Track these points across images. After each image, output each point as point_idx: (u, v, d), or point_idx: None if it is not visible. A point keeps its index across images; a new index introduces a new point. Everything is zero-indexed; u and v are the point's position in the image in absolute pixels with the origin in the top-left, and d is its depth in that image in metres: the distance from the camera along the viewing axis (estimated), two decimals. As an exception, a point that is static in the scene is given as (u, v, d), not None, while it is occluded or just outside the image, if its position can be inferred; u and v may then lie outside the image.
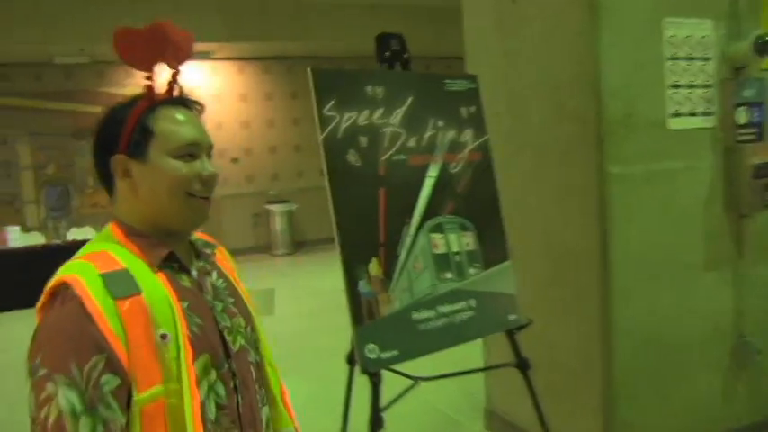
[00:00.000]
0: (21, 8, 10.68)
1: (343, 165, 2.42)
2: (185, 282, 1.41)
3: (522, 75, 3.65)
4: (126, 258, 1.34)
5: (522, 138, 3.68)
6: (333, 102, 2.42)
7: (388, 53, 2.70)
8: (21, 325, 3.78)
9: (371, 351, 2.35)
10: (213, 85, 13.55)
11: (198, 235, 1.61)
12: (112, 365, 1.21)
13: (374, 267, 2.42)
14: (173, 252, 1.41)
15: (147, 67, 1.43)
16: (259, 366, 1.53)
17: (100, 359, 1.21)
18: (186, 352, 1.30)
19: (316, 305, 8.20)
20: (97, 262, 1.29)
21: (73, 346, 1.20)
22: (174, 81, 1.47)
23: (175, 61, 1.47)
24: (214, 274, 1.52)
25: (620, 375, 3.23)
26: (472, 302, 2.68)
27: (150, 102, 1.41)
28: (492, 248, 2.81)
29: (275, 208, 12.88)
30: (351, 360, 3.02)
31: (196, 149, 1.41)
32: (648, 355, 3.30)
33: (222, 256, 1.64)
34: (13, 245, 9.79)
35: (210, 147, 1.47)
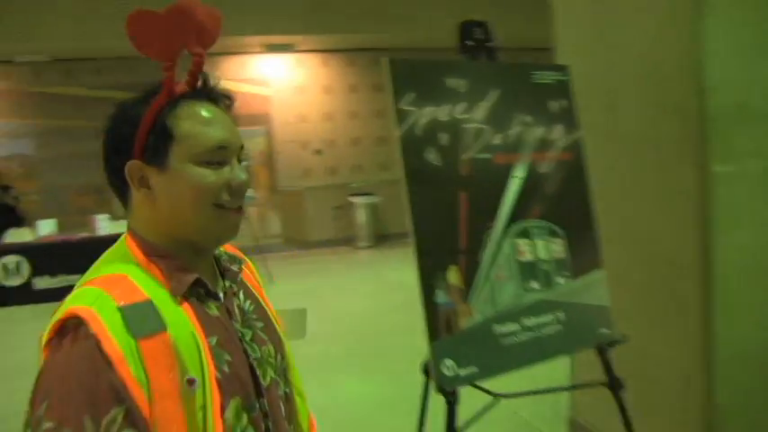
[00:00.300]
0: (112, 4, 10.90)
1: (421, 164, 2.22)
2: (213, 310, 1.24)
3: (618, 66, 3.39)
4: (148, 286, 1.16)
5: (616, 135, 3.42)
6: (411, 95, 2.23)
7: (471, 42, 2.49)
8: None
9: (448, 368, 2.15)
10: (297, 77, 13.56)
11: (225, 249, 1.43)
12: (133, 419, 1.04)
13: (453, 276, 2.23)
14: (199, 278, 1.23)
15: (169, 57, 1.22)
16: (288, 399, 1.37)
17: (119, 411, 1.03)
18: (214, 399, 1.14)
19: (397, 301, 8.02)
20: (116, 291, 1.12)
21: (87, 396, 1.02)
22: (197, 70, 1.25)
23: (200, 46, 1.25)
24: (241, 295, 1.35)
25: (723, 393, 2.94)
26: (560, 315, 2.45)
27: (169, 97, 1.22)
28: (583, 256, 2.58)
29: (358, 200, 12.78)
30: (427, 371, 2.83)
31: (226, 153, 1.23)
32: (758, 373, 3.00)
33: (249, 272, 1.48)
34: (101, 232, 9.99)
35: (241, 148, 1.28)
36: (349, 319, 7.74)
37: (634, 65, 3.28)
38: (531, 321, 2.37)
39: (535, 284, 2.42)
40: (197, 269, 1.24)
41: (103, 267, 1.20)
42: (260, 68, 13.50)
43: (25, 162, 13.23)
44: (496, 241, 2.35)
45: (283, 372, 1.36)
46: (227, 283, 1.32)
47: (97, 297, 1.09)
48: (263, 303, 1.40)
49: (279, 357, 1.35)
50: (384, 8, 12.04)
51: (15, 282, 9.81)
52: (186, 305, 1.18)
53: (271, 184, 13.87)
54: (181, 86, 1.24)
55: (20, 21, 10.93)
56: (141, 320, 1.09)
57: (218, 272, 1.34)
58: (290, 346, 1.45)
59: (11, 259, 9.87)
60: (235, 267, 1.37)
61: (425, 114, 2.25)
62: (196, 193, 1.19)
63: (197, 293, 1.22)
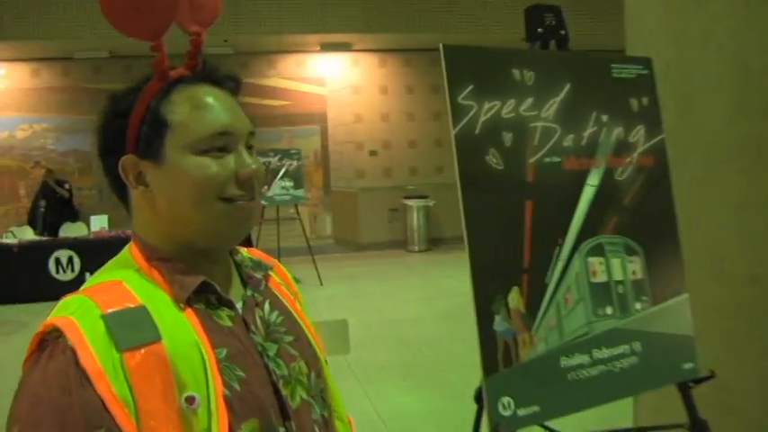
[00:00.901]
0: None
1: (480, 167, 1.91)
2: (224, 320, 1.10)
3: (698, 63, 3.06)
4: (145, 291, 1.05)
5: (692, 139, 3.09)
6: (470, 88, 1.92)
7: (540, 29, 2.17)
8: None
9: (506, 406, 1.84)
10: (353, 76, 13.47)
11: (247, 252, 1.30)
12: None
13: (514, 299, 1.92)
14: (207, 281, 1.09)
15: (153, 35, 1.10)
16: (327, 424, 1.21)
17: None
18: (220, 420, 0.99)
19: (451, 307, 7.78)
20: (102, 297, 1.00)
21: (58, 417, 0.91)
22: (195, 51, 1.13)
23: (195, 23, 1.14)
24: (266, 306, 1.20)
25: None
26: (637, 346, 2.12)
27: (162, 82, 1.10)
28: (664, 277, 2.23)
29: (413, 203, 12.63)
30: (479, 399, 2.51)
31: (230, 140, 1.10)
32: None
33: (280, 279, 1.32)
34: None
35: (250, 134, 1.14)
36: (399, 325, 7.55)
37: (715, 63, 2.96)
38: (603, 353, 2.04)
39: (609, 310, 2.09)
40: (207, 274, 1.10)
41: (101, 275, 1.09)
42: (316, 67, 13.47)
43: (81, 158, 13.34)
44: (566, 259, 2.03)
45: (320, 393, 1.21)
46: (249, 292, 1.18)
47: (80, 305, 0.99)
48: (294, 315, 1.25)
49: (313, 376, 1.19)
50: (445, 6, 11.85)
51: (67, 276, 9.83)
52: (190, 312, 1.06)
53: (324, 184, 13.81)
54: (179, 71, 1.12)
55: (79, 16, 11.02)
56: (129, 329, 0.97)
57: (239, 280, 1.20)
58: (328, 363, 1.28)
59: (63, 253, 9.92)
60: (259, 274, 1.23)
61: (487, 110, 1.94)
62: (198, 187, 1.07)
63: (206, 300, 1.10)
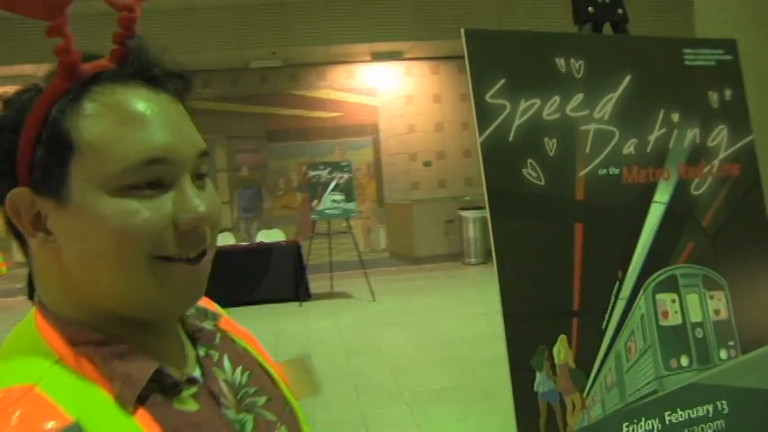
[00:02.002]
0: (220, 17, 10.95)
1: (515, 184, 1.49)
2: (187, 403, 0.80)
3: None
4: (74, 396, 0.72)
5: None
6: (501, 83, 1.51)
7: (591, 8, 1.74)
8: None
9: (553, 493, 1.43)
10: (405, 86, 13.28)
11: None
12: None
13: (561, 350, 1.49)
14: (159, 369, 0.78)
15: (50, 11, 0.74)
16: None
17: None
18: None
19: (507, 327, 7.35)
20: (8, 420, 0.67)
21: None
22: (124, 34, 0.78)
23: None
24: (226, 363, 0.91)
25: None
26: (723, 406, 1.66)
27: (69, 81, 0.75)
28: (757, 317, 1.78)
29: (469, 214, 12.28)
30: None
31: (167, 170, 0.77)
32: None
33: (229, 325, 1.01)
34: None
35: (202, 156, 0.81)
36: (453, 344, 7.19)
37: None
38: (679, 416, 1.60)
39: (685, 360, 1.65)
40: (155, 350, 0.81)
41: (2, 368, 0.75)
42: (367, 77, 13.24)
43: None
44: (628, 297, 1.60)
45: None
46: (203, 351, 0.89)
47: None
48: (260, 361, 0.98)
49: None
50: (500, 11, 11.53)
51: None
52: (143, 413, 0.75)
53: (377, 196, 13.55)
54: (97, 64, 0.77)
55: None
56: None
57: (186, 338, 0.90)
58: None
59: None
60: (208, 324, 0.94)
61: (523, 111, 1.52)
62: (117, 242, 0.74)
63: (160, 385, 0.78)
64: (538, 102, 1.54)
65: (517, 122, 1.50)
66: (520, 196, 1.48)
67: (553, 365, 1.47)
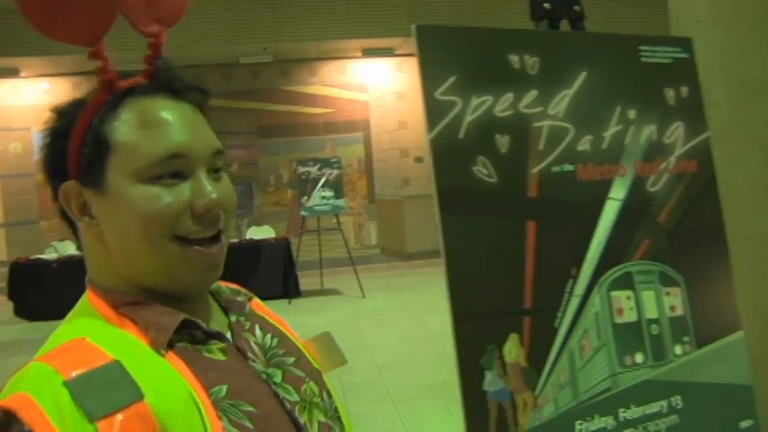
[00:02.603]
0: (210, 11, 10.91)
1: (465, 182, 1.48)
2: (216, 354, 0.98)
3: (753, 49, 2.63)
4: (115, 344, 0.90)
5: (750, 137, 2.66)
6: (452, 79, 1.49)
7: (547, 4, 1.73)
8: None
9: (502, 492, 1.42)
10: (397, 82, 13.25)
11: (220, 283, 1.16)
12: None
13: (512, 349, 1.48)
14: (188, 318, 0.97)
15: (89, 39, 0.94)
16: None
17: None
18: None
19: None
20: (62, 360, 0.86)
21: None
22: (153, 56, 1.00)
23: (153, 21, 1.00)
24: (258, 331, 1.09)
25: None
26: (678, 401, 1.66)
27: (108, 94, 0.96)
28: (712, 312, 1.77)
29: (459, 211, 12.20)
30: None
31: (186, 163, 0.97)
32: None
33: (260, 307, 1.20)
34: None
35: (217, 154, 1.02)
36: (442, 340, 7.15)
37: None
38: (633, 413, 1.59)
39: (640, 357, 1.64)
40: (186, 312, 0.98)
41: (58, 336, 0.94)
42: (359, 73, 13.22)
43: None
44: (582, 295, 1.59)
45: (335, 413, 1.11)
46: (234, 318, 1.08)
47: (36, 376, 0.84)
48: (288, 335, 1.17)
49: (325, 395, 1.11)
50: (491, 8, 11.49)
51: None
52: (173, 356, 0.92)
53: (368, 193, 13.54)
54: (131, 81, 0.99)
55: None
56: (101, 393, 0.82)
57: (220, 309, 1.11)
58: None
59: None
60: (240, 298, 1.13)
61: (474, 107, 1.51)
62: (145, 222, 0.94)
63: (190, 337, 0.97)
64: (490, 98, 1.52)
65: (468, 119, 1.49)
66: (470, 194, 1.47)
67: (504, 364, 1.47)
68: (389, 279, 11.35)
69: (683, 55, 1.84)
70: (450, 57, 1.51)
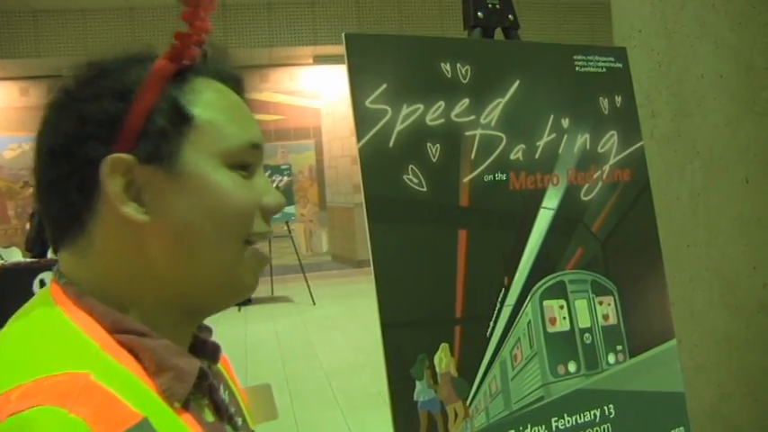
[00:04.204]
0: (159, 17, 10.78)
1: (395, 191, 1.46)
2: (206, 412, 0.80)
3: (693, 60, 2.68)
4: (126, 387, 0.67)
5: (689, 146, 2.70)
6: (382, 87, 1.47)
7: (480, 13, 1.72)
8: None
9: (431, 504, 1.40)
10: (348, 89, 13.16)
11: None
12: None
13: (443, 359, 1.47)
14: (203, 366, 0.78)
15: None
16: None
17: None
18: None
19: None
20: (82, 408, 0.60)
21: None
22: (202, 32, 0.83)
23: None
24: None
25: None
26: (610, 410, 1.66)
27: (178, 63, 0.80)
28: (645, 321, 1.78)
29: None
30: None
31: (258, 156, 0.85)
32: None
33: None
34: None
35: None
36: (390, 350, 7.17)
37: (717, 58, 2.58)
38: (565, 422, 1.59)
39: (572, 366, 1.64)
40: (177, 343, 0.79)
41: (34, 354, 0.67)
42: (310, 80, 13.17)
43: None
44: (514, 304, 1.59)
45: None
46: (206, 365, 0.86)
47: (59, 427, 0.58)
48: (232, 384, 0.98)
49: None
50: (438, 13, 11.57)
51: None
52: (187, 415, 0.73)
53: (320, 200, 13.49)
54: (195, 52, 0.82)
55: (69, 33, 10.83)
56: None
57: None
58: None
59: (48, 275, 9.55)
60: (205, 335, 0.92)
61: (405, 116, 1.49)
62: (231, 214, 0.79)
63: (195, 389, 0.77)
64: (421, 107, 1.51)
65: (398, 128, 1.47)
66: (400, 203, 1.46)
67: (434, 374, 1.45)
68: (340, 286, 11.30)
69: (617, 65, 1.85)
70: (381, 65, 1.50)
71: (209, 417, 0.81)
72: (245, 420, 0.95)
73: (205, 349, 0.90)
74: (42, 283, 9.38)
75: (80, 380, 0.64)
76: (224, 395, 0.89)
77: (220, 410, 0.84)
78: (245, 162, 0.82)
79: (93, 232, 0.77)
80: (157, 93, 0.78)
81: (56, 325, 0.72)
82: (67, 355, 0.68)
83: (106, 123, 0.76)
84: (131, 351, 0.73)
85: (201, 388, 0.79)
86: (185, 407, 0.74)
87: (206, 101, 0.81)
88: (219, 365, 0.96)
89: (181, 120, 0.78)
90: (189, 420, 0.73)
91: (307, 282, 9.91)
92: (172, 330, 0.79)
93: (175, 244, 0.77)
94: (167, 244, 0.77)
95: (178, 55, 0.80)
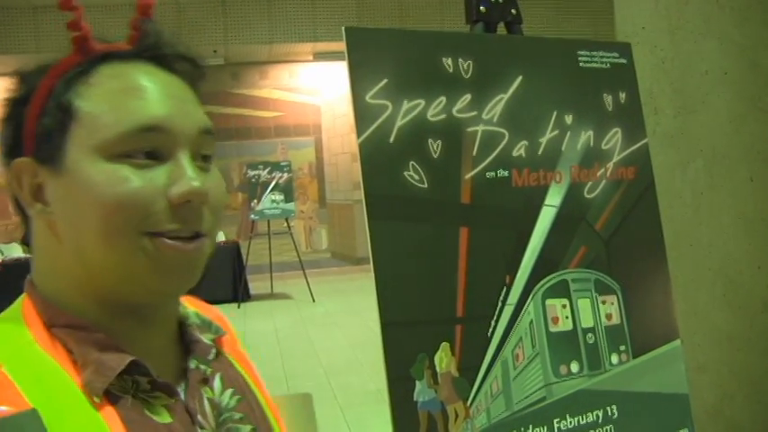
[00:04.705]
0: (160, 13, 10.74)
1: (395, 187, 1.44)
2: (160, 413, 0.77)
3: (697, 57, 2.67)
4: (38, 381, 0.70)
5: (693, 143, 2.68)
6: (383, 82, 1.45)
7: (483, 7, 1.70)
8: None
9: (431, 507, 1.38)
10: (348, 85, 13.15)
11: (189, 304, 0.93)
12: None
13: (443, 358, 1.45)
14: (136, 360, 0.75)
15: None
16: None
17: None
18: None
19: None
20: None
21: None
22: (141, 17, 0.83)
23: None
24: (217, 382, 0.87)
25: None
26: (613, 411, 1.64)
27: (81, 55, 0.79)
28: (649, 321, 1.76)
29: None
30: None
31: (163, 141, 0.77)
32: None
33: (232, 342, 0.98)
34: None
35: (204, 134, 0.81)
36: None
37: (721, 55, 2.55)
38: (568, 423, 1.57)
39: (575, 367, 1.62)
40: (138, 343, 0.79)
41: None
42: (310, 77, 13.14)
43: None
44: (516, 303, 1.56)
45: None
46: (194, 364, 0.85)
47: None
48: (254, 391, 0.94)
49: None
50: (439, 10, 11.55)
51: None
52: (109, 409, 0.72)
53: (319, 197, 13.47)
54: (111, 45, 0.81)
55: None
56: None
57: (178, 345, 0.87)
58: None
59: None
60: (207, 338, 0.89)
61: (406, 111, 1.47)
62: (107, 209, 0.74)
63: (134, 385, 0.76)
64: (422, 102, 1.49)
65: (399, 123, 1.44)
66: (400, 200, 1.43)
67: (435, 374, 1.43)
68: (340, 283, 11.29)
69: (622, 60, 1.83)
70: (382, 59, 1.47)
71: (164, 417, 0.78)
72: (259, 429, 0.90)
73: (196, 348, 0.88)
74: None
75: None
76: (222, 397, 0.87)
77: (191, 414, 0.81)
78: (136, 149, 0.76)
79: (32, 234, 0.82)
80: (47, 93, 0.78)
81: (8, 318, 0.78)
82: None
83: (15, 131, 0.79)
84: (65, 345, 0.75)
85: (158, 387, 0.78)
86: (112, 401, 0.73)
87: (95, 92, 0.77)
88: (240, 368, 0.95)
89: (64, 116, 0.76)
90: (109, 415, 0.72)
91: (306, 279, 9.89)
92: (111, 324, 0.78)
93: (74, 238, 0.77)
94: (70, 240, 0.77)
95: (78, 47, 0.80)
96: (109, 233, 0.74)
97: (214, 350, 0.90)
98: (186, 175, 0.76)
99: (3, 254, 10.46)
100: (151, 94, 0.78)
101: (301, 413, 1.04)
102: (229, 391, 0.89)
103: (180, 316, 0.89)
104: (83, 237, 0.76)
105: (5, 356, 0.71)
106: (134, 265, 0.76)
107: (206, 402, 0.84)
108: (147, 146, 0.76)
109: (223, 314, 1.02)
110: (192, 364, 0.85)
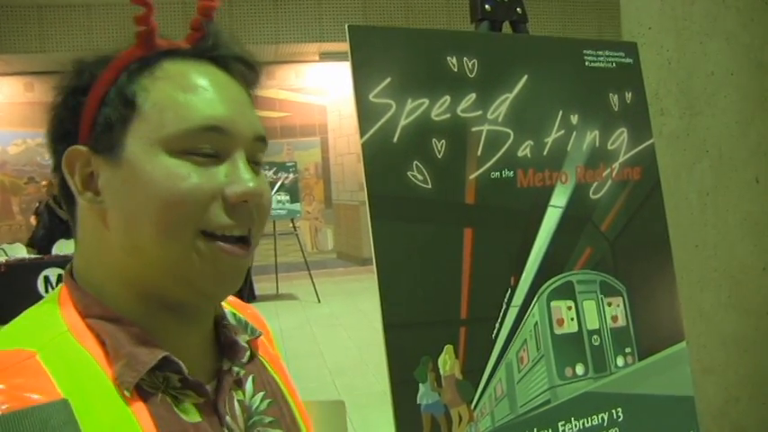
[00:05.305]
0: (166, 13, 10.76)
1: (399, 187, 1.42)
2: (190, 413, 0.77)
3: (703, 57, 2.65)
4: (70, 372, 0.70)
5: (699, 144, 2.66)
6: (386, 81, 1.43)
7: (488, 6, 1.68)
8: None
9: None
10: (354, 84, 13.18)
11: (230, 305, 0.95)
12: None
13: (447, 361, 1.43)
14: (168, 357, 0.75)
15: None
16: None
17: None
18: None
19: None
20: (5, 383, 0.65)
21: None
22: (203, 18, 0.83)
23: None
24: (249, 385, 0.88)
25: None
26: (619, 414, 1.63)
27: (144, 50, 0.80)
28: (655, 323, 1.74)
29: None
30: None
31: (223, 142, 0.78)
32: None
33: (267, 344, 1.00)
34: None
35: (258, 141, 0.82)
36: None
37: (728, 55, 2.53)
38: (572, 426, 1.55)
39: (580, 369, 1.60)
40: (174, 341, 0.78)
41: (9, 332, 0.74)
42: (316, 77, 13.14)
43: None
44: (520, 305, 1.55)
45: None
46: (227, 365, 0.85)
47: None
48: (286, 396, 0.95)
49: None
50: (446, 10, 11.55)
51: (54, 295, 9.52)
52: (139, 404, 0.72)
53: (325, 197, 13.47)
54: (173, 42, 0.82)
55: (74, 29, 10.83)
56: None
57: (216, 349, 0.87)
58: None
59: (53, 272, 9.56)
60: (242, 339, 0.88)
61: (410, 111, 1.45)
62: (164, 205, 0.74)
63: (165, 382, 0.76)
64: (426, 101, 1.47)
65: (403, 123, 1.43)
66: (404, 200, 1.42)
67: (438, 377, 1.41)
68: (345, 284, 11.28)
69: (628, 60, 1.81)
70: (385, 58, 1.46)
71: (194, 417, 0.78)
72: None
73: (231, 349, 0.88)
74: (47, 280, 9.40)
75: (21, 356, 0.69)
76: (253, 400, 0.88)
77: (220, 416, 0.81)
78: (196, 148, 0.77)
79: (78, 223, 0.82)
80: (109, 83, 0.78)
81: (44, 308, 0.78)
82: (28, 335, 0.73)
83: (69, 119, 0.80)
84: (99, 336, 0.75)
85: (189, 385, 0.78)
86: (143, 397, 0.74)
87: (161, 86, 0.78)
88: (272, 372, 0.96)
89: (126, 108, 0.77)
90: (139, 410, 0.72)
91: (312, 279, 9.88)
92: (149, 318, 0.78)
93: (126, 231, 0.77)
94: (122, 231, 0.77)
95: (143, 42, 0.80)
96: (166, 229, 0.75)
97: (248, 352, 0.89)
98: (244, 176, 0.78)
99: (6, 254, 10.46)
100: (214, 94, 0.79)
101: (332, 421, 1.03)
102: (260, 394, 0.89)
103: (217, 315, 0.89)
104: (137, 230, 0.76)
105: (40, 345, 0.71)
106: (187, 266, 0.76)
107: (236, 404, 0.85)
108: (208, 144, 0.77)
109: (259, 313, 1.03)
110: (226, 366, 0.86)
